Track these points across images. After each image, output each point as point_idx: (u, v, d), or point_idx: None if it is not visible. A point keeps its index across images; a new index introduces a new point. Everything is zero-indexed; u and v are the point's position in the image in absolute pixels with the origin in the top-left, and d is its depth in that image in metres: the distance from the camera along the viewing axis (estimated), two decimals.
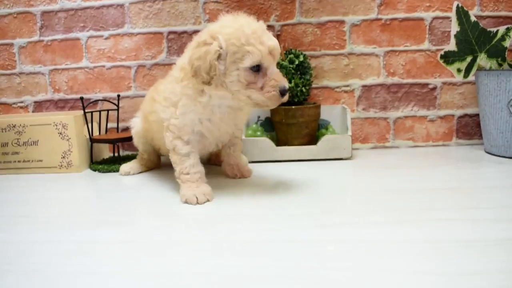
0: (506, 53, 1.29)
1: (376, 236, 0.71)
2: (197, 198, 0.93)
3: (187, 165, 0.98)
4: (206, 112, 0.96)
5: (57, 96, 1.58)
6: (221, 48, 0.87)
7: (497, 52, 1.29)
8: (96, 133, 1.44)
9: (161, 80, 1.15)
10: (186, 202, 0.93)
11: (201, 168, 1.00)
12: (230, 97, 0.93)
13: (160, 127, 1.04)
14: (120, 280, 0.60)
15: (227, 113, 0.99)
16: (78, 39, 1.54)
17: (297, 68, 1.32)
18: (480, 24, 1.29)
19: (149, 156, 1.28)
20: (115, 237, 0.76)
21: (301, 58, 1.33)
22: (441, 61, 1.34)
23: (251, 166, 1.23)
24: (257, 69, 0.89)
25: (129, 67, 1.53)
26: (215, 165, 1.33)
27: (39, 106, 1.60)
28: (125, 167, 1.27)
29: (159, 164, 1.34)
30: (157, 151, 1.28)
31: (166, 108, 0.98)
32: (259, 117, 1.45)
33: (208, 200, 0.94)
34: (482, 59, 1.31)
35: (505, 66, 1.29)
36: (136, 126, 1.25)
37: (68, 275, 0.62)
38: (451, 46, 1.32)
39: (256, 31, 0.88)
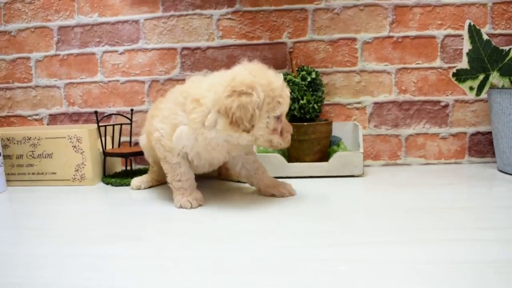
0: None
1: (387, 256, 0.71)
2: (190, 203, 1.03)
3: (179, 172, 1.05)
4: (203, 143, 1.00)
5: (71, 109, 1.61)
6: (259, 98, 0.92)
7: (510, 71, 1.29)
8: (109, 147, 1.45)
9: (161, 98, 1.17)
10: (180, 207, 1.03)
11: (192, 175, 1.08)
12: (247, 138, 0.97)
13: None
14: None
15: (221, 146, 1.02)
16: (93, 53, 1.57)
17: (309, 85, 1.33)
18: (492, 42, 1.30)
19: (159, 168, 1.28)
20: (126, 252, 0.77)
21: (313, 75, 1.33)
22: (453, 79, 1.34)
23: None
24: (279, 116, 0.99)
25: (143, 82, 1.55)
26: (225, 180, 1.34)
27: (53, 119, 1.62)
28: (135, 181, 1.28)
29: None
30: None
31: (164, 125, 1.04)
32: None
33: (200, 205, 1.04)
34: (495, 77, 1.31)
35: None
36: (143, 139, 1.27)
37: None
38: (463, 64, 1.32)
39: (282, 84, 0.98)
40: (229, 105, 0.91)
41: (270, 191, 1.13)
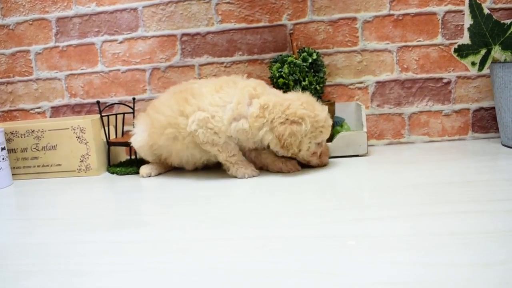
0: None
1: (396, 230, 0.71)
2: (253, 172, 1.16)
3: (231, 149, 1.15)
4: (246, 137, 1.15)
5: (73, 101, 1.61)
6: (306, 127, 1.10)
7: None
8: (112, 137, 1.46)
9: (192, 84, 1.21)
10: (248, 177, 1.15)
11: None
12: (289, 155, 1.16)
13: (182, 145, 1.17)
14: (145, 277, 0.61)
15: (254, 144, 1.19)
16: (93, 44, 1.56)
17: (310, 66, 1.33)
18: (493, 16, 1.29)
19: (161, 161, 1.29)
20: (137, 237, 0.78)
21: (314, 56, 1.33)
22: (455, 55, 1.33)
23: None
24: (319, 142, 1.17)
25: (143, 70, 1.55)
26: None
27: (56, 111, 1.62)
28: (145, 169, 1.28)
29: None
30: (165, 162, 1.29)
31: (218, 109, 1.12)
32: None
33: (258, 174, 1.17)
34: (497, 52, 1.30)
35: None
36: (138, 141, 1.26)
37: (92, 273, 0.64)
38: (465, 39, 1.32)
39: (326, 116, 1.15)
40: (282, 132, 1.09)
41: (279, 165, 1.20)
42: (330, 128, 1.18)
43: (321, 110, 1.15)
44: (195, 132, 1.12)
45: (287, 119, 1.10)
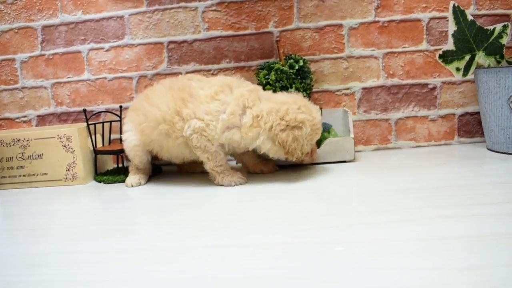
0: (503, 50, 1.30)
1: (384, 235, 0.71)
2: (241, 178, 1.16)
3: (219, 158, 1.16)
4: (239, 145, 1.16)
5: (60, 109, 1.60)
6: (306, 131, 1.12)
7: (495, 50, 1.30)
8: (99, 145, 1.45)
9: (189, 81, 1.19)
10: (235, 185, 1.15)
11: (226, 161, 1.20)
12: (284, 158, 1.16)
13: (176, 141, 1.17)
14: (132, 287, 0.60)
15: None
16: (79, 52, 1.56)
17: (297, 73, 1.33)
18: (477, 22, 1.31)
19: (144, 165, 1.28)
20: (125, 246, 0.77)
21: (301, 63, 1.34)
22: (439, 61, 1.35)
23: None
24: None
25: (130, 78, 1.55)
26: (187, 172, 1.39)
27: (42, 120, 1.61)
28: (134, 179, 1.26)
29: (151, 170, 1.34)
30: (156, 158, 1.30)
31: (213, 117, 1.11)
32: None
33: (245, 181, 1.17)
34: (481, 57, 1.32)
35: (504, 63, 1.30)
36: (131, 140, 1.25)
37: (80, 284, 0.63)
38: (449, 45, 1.33)
39: (320, 117, 1.18)
40: (284, 138, 1.10)
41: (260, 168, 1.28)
42: (321, 127, 1.20)
43: (316, 112, 1.17)
44: (189, 136, 1.13)
45: (287, 125, 1.10)
